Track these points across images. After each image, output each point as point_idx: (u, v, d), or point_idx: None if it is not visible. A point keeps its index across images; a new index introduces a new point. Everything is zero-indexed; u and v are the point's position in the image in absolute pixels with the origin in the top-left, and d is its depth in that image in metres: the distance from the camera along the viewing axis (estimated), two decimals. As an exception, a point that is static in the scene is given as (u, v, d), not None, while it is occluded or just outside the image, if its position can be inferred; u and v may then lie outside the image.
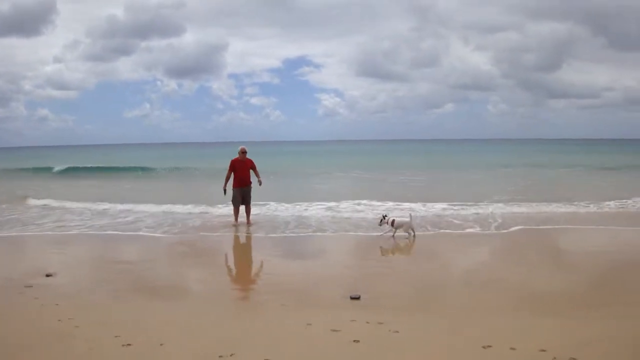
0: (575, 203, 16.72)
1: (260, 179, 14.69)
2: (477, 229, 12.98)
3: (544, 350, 5.26)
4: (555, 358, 5.09)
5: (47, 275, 9.11)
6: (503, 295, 7.85)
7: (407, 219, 12.11)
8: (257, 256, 11.00)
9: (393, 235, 11.95)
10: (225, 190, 14.33)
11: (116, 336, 5.84)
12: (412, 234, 11.98)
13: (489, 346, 5.40)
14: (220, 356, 5.23)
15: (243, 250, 11.75)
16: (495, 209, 15.61)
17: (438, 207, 16.18)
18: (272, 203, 17.16)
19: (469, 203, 16.53)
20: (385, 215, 12.43)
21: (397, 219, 12.14)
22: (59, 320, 6.54)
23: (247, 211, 14.39)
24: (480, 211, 15.32)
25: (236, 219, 14.25)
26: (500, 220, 13.94)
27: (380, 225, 12.23)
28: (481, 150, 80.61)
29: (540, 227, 13.27)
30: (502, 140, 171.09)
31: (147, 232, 13.44)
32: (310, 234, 13.04)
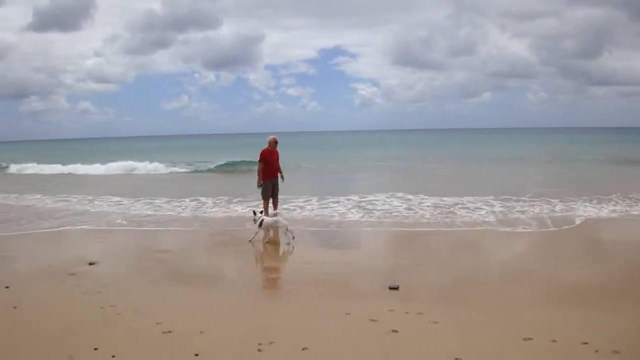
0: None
1: (283, 174, 13.84)
2: (518, 226, 12.79)
3: (585, 343, 5.19)
4: (597, 351, 5.02)
5: (90, 264, 9.34)
6: (542, 287, 7.73)
7: (275, 218, 11.62)
8: (295, 246, 11.02)
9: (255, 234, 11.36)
10: (260, 185, 13.49)
11: (157, 323, 5.97)
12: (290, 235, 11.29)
13: (530, 338, 5.35)
14: (259, 344, 5.30)
15: (280, 240, 11.79)
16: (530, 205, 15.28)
17: (471, 199, 15.97)
18: (307, 196, 17.13)
19: (511, 197, 16.29)
20: (255, 212, 11.71)
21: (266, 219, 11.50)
22: (102, 307, 6.70)
23: (275, 203, 13.78)
24: (524, 208, 14.98)
25: (267, 212, 13.49)
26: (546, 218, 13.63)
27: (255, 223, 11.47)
28: (524, 139, 79.13)
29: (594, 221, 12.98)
30: (542, 129, 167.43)
31: (178, 227, 13.67)
32: (346, 226, 13.00)
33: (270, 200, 13.45)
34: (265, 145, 13.55)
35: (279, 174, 13.57)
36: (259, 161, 13.45)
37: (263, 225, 11.30)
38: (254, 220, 11.36)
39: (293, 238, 11.17)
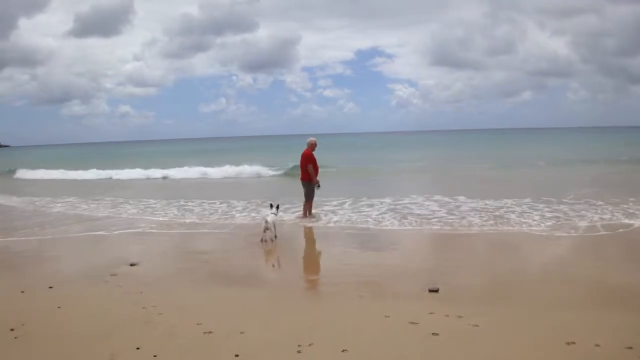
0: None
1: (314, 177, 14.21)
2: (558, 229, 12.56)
3: (630, 348, 5.06)
4: (642, 356, 4.92)
5: (131, 265, 9.49)
6: (584, 290, 7.55)
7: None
8: (332, 248, 11.03)
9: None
10: (318, 185, 14.14)
11: (198, 323, 6.02)
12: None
13: (573, 343, 5.23)
14: (299, 345, 5.30)
15: (318, 242, 11.81)
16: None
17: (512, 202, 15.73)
18: (343, 198, 17.10)
19: (551, 199, 16.02)
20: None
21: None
22: (143, 307, 6.80)
23: (309, 206, 14.39)
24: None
25: (310, 212, 14.31)
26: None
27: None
28: (566, 139, 77.42)
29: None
30: (582, 129, 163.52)
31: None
32: (383, 227, 12.91)
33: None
34: (305, 147, 14.20)
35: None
36: (311, 162, 14.06)
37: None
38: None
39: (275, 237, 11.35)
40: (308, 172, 14.05)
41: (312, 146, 14.26)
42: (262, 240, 11.11)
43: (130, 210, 17.20)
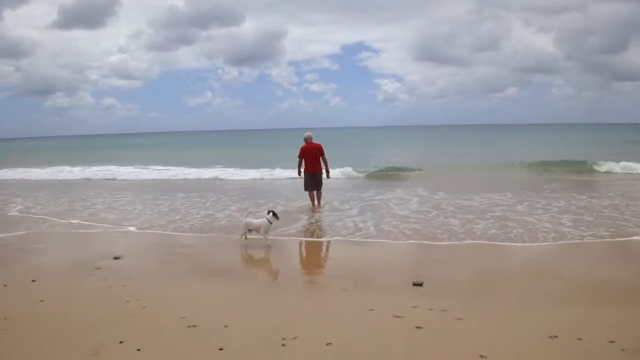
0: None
1: (329, 168, 15.25)
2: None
3: (612, 342, 5.12)
4: (624, 349, 4.95)
5: (115, 258, 9.44)
6: (569, 285, 7.63)
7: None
8: (319, 241, 11.03)
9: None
10: (300, 174, 15.16)
11: (182, 317, 6.01)
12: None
13: (555, 336, 5.28)
14: (283, 338, 5.31)
15: (306, 235, 11.79)
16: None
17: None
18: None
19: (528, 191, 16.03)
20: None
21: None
22: (127, 301, 6.78)
23: (318, 196, 15.14)
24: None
25: (312, 202, 15.15)
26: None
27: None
28: (548, 135, 77.75)
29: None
30: (569, 125, 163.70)
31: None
32: (367, 222, 12.92)
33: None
34: (305, 142, 15.10)
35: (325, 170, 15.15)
36: (299, 156, 15.11)
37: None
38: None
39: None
40: (320, 164, 14.96)
41: (311, 140, 15.16)
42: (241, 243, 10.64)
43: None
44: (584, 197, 15.74)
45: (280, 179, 24.41)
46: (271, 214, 10.46)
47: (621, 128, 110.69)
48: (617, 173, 23.75)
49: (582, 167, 25.52)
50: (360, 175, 24.96)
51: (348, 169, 25.20)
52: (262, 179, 25.06)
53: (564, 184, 19.71)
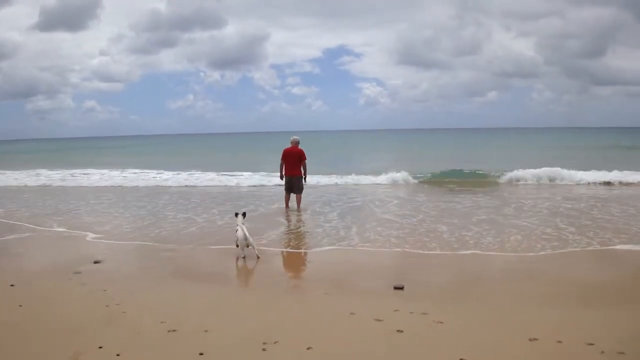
0: None
1: (306, 175, 15.30)
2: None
3: (591, 344, 5.16)
4: (603, 352, 4.99)
5: (95, 262, 9.37)
6: (549, 287, 7.69)
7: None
8: (300, 244, 11.02)
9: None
10: (281, 177, 15.28)
11: (162, 322, 5.97)
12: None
13: (535, 339, 5.32)
14: (264, 343, 5.29)
15: (287, 238, 11.76)
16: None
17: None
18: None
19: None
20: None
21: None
22: (107, 305, 6.71)
23: (297, 199, 15.26)
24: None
25: (286, 204, 15.33)
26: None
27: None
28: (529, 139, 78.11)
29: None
30: (548, 129, 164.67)
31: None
32: (349, 226, 12.95)
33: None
34: (290, 145, 15.23)
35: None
36: (281, 158, 15.26)
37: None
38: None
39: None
40: (299, 169, 15.10)
41: (297, 144, 15.30)
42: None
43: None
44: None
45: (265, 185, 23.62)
46: (241, 216, 10.07)
47: (598, 132, 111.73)
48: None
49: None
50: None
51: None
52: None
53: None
